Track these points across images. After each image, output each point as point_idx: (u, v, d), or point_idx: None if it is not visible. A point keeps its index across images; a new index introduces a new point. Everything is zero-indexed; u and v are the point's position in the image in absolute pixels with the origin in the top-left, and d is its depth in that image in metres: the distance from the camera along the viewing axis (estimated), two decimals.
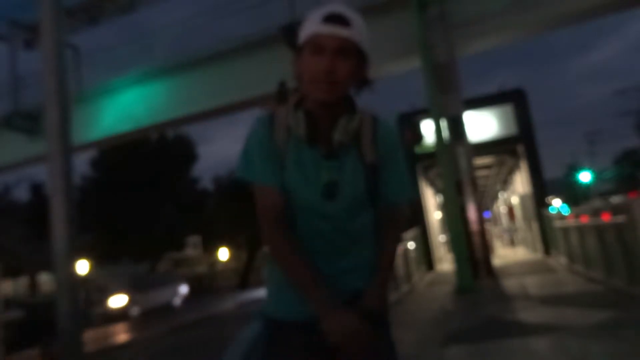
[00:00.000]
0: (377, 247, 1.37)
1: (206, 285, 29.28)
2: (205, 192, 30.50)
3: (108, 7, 13.35)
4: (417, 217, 13.59)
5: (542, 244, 12.92)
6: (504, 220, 25.18)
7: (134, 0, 13.36)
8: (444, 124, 8.97)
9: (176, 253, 31.67)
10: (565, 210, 11.34)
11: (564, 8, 9.35)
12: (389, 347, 1.37)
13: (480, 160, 15.44)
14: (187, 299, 20.46)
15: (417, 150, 12.64)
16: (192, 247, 30.08)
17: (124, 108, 13.11)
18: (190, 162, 28.74)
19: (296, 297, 1.29)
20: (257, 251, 28.29)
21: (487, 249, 10.76)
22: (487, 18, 9.31)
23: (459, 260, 8.72)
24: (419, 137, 12.30)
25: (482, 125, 13.17)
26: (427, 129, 11.29)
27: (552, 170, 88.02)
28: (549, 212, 12.40)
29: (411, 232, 11.08)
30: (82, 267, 23.55)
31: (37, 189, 27.30)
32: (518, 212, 19.03)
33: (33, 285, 25.99)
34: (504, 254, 17.02)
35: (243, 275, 28.18)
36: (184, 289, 20.27)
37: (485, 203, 28.41)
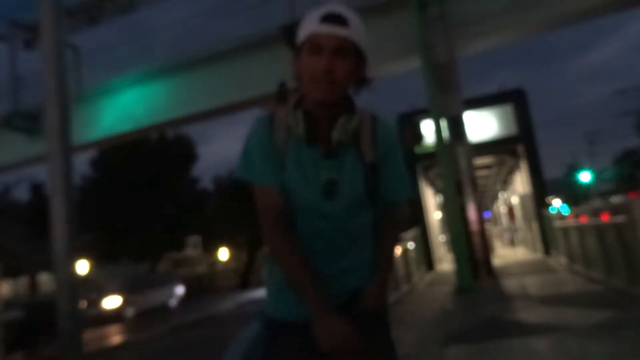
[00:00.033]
0: (377, 246, 1.37)
1: (206, 285, 29.25)
2: (205, 192, 30.49)
3: (108, 7, 13.35)
4: (417, 217, 13.59)
5: (542, 244, 12.92)
6: (504, 220, 25.18)
7: (134, 0, 13.36)
8: (444, 124, 8.98)
9: (176, 253, 31.67)
10: (565, 210, 11.34)
11: (564, 8, 9.35)
12: (389, 347, 1.37)
13: (480, 160, 15.43)
14: (185, 300, 20.19)
15: (417, 150, 12.64)
16: (192, 247, 30.08)
17: (124, 108, 13.11)
18: (190, 162, 28.74)
19: (296, 297, 1.29)
20: (257, 251, 28.30)
21: (487, 249, 10.76)
22: (487, 18, 9.31)
23: (459, 260, 8.73)
24: (419, 137, 12.30)
25: (482, 125, 13.17)
26: (427, 129, 11.29)
27: (552, 170, 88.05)
28: (549, 212, 12.40)
29: (411, 232, 11.09)
30: (82, 267, 23.58)
31: (37, 189, 27.31)
32: (518, 212, 19.03)
33: (33, 285, 26.00)
34: (504, 254, 17.02)
35: (244, 275, 28.18)
36: (180, 290, 19.94)
37: (485, 203, 28.41)
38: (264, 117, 1.36)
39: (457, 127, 8.91)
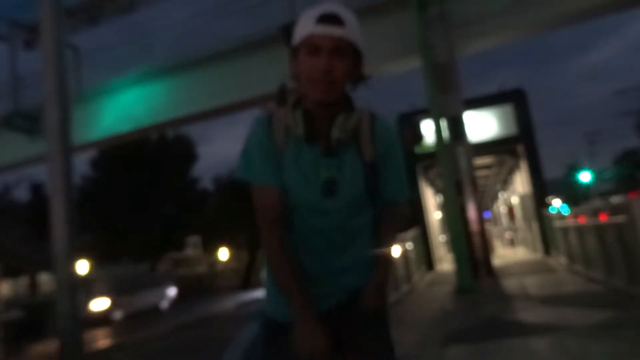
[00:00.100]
0: (376, 245, 1.37)
1: (206, 285, 29.25)
2: (205, 192, 30.49)
3: (108, 7, 13.34)
4: (417, 217, 13.59)
5: (542, 244, 12.92)
6: (504, 220, 25.18)
7: (134, 0, 13.36)
8: (444, 124, 8.97)
9: (176, 253, 31.68)
10: (565, 210, 11.34)
11: (564, 8, 9.35)
12: (388, 347, 1.37)
13: (480, 160, 15.43)
14: (184, 300, 19.62)
15: (417, 150, 12.63)
16: (192, 247, 30.10)
17: (124, 108, 13.11)
18: (190, 162, 28.74)
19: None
20: (257, 251, 28.30)
21: (487, 249, 10.76)
22: (487, 18, 9.30)
23: (459, 260, 8.72)
24: (419, 137, 12.29)
25: (482, 125, 13.16)
26: (427, 129, 11.28)
27: (552, 170, 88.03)
28: (549, 212, 12.40)
29: (411, 232, 11.08)
30: (82, 267, 23.55)
31: (37, 189, 27.33)
32: (518, 212, 19.03)
33: (33, 285, 25.99)
34: (504, 254, 17.02)
35: (244, 275, 28.18)
36: (172, 291, 19.13)
37: (485, 203, 28.41)
38: (263, 118, 1.36)
39: (457, 127, 8.91)
